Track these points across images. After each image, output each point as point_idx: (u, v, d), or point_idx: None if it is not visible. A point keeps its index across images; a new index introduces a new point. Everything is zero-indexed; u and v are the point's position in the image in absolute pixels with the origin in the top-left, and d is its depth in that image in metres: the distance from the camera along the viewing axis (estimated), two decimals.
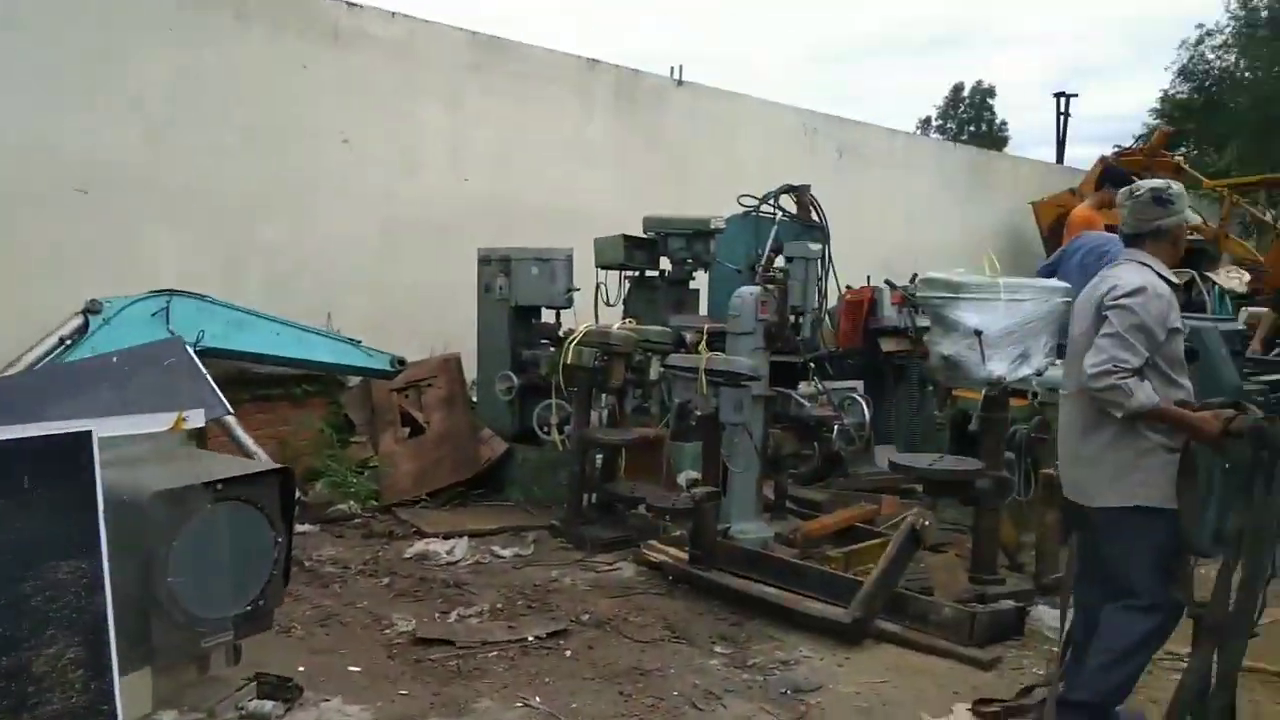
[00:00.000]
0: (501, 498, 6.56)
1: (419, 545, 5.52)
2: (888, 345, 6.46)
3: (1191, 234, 9.05)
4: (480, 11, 33.00)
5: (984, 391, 4.66)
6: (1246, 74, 23.17)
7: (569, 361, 5.82)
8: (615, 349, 5.66)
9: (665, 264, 7.16)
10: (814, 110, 11.38)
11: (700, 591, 4.82)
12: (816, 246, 6.22)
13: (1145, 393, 3.05)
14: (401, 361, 6.62)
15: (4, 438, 2.65)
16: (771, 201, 7.45)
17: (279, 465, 3.70)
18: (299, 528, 5.26)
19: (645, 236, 7.09)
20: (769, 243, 6.87)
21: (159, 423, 3.27)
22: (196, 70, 6.54)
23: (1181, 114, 24.33)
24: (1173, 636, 3.28)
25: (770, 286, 5.54)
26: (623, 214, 7.60)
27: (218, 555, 3.20)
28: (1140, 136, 22.99)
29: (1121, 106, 61.35)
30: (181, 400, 3.50)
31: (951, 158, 14.07)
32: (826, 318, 7.03)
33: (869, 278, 7.72)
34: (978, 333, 4.42)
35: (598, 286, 7.00)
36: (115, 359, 3.80)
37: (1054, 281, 5.12)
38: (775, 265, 6.07)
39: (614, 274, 7.14)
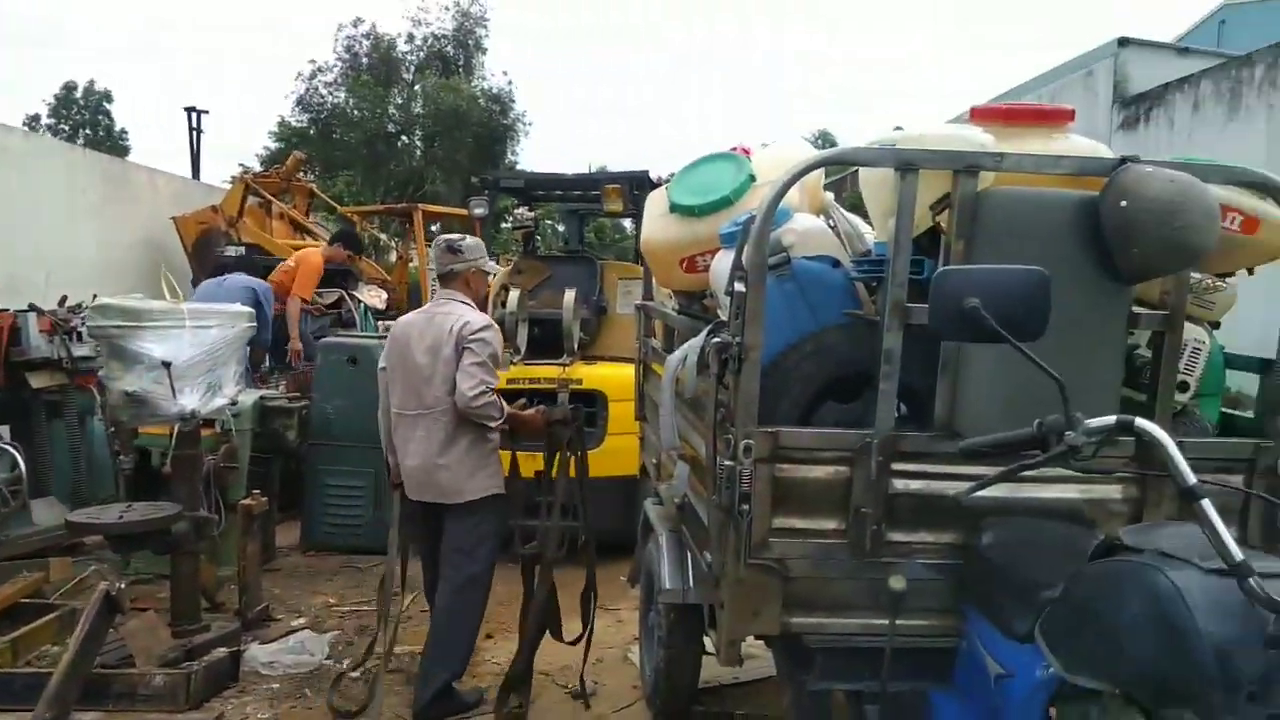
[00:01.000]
0: None
1: None
2: (38, 381, 5.48)
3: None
4: None
5: (176, 427, 4.27)
6: (355, 111, 25.84)
7: None
8: None
9: None
10: None
11: None
12: None
13: (501, 404, 3.85)
14: None
15: None
16: None
17: None
18: None
19: None
20: None
21: None
22: None
23: (300, 141, 26.12)
24: None
25: None
26: None
27: None
28: (267, 160, 23.98)
29: (246, 127, 63.40)
30: None
31: (83, 163, 12.68)
32: None
33: None
34: (166, 364, 4.03)
35: None
36: None
37: (236, 306, 4.95)
38: None
39: None
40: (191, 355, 4.13)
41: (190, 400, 4.14)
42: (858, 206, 3.03)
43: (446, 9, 27.44)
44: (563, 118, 64.65)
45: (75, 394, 5.70)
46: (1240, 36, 20.17)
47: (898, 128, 2.67)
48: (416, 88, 26.68)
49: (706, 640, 3.46)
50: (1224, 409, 2.86)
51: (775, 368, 2.64)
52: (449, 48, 27.61)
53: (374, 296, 10.82)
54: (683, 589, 3.27)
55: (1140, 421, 1.71)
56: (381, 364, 4.02)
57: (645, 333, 4.55)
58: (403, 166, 26.47)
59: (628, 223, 12.36)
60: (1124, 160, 2.39)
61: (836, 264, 2.73)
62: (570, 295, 5.73)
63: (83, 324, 4.92)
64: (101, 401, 4.85)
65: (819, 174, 3.44)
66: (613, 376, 5.80)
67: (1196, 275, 2.73)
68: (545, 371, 5.82)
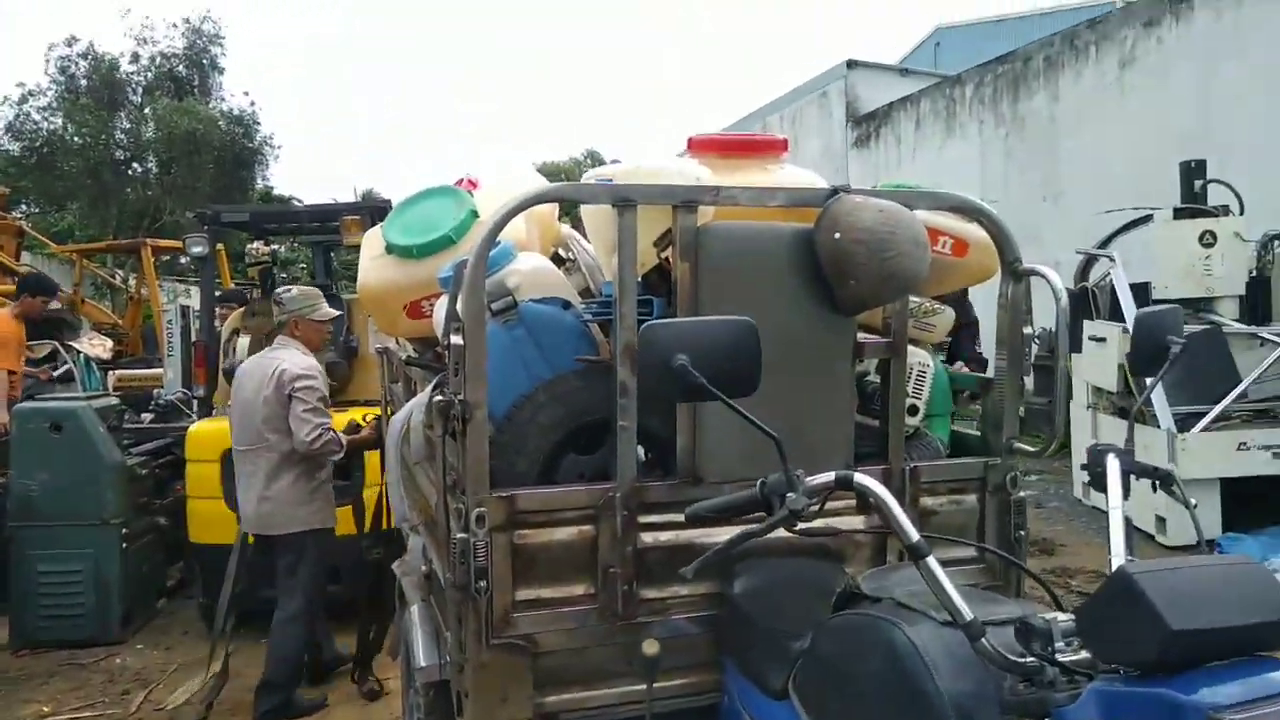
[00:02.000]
0: None
1: None
2: None
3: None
4: None
5: None
6: (75, 138, 23.50)
7: None
8: None
9: None
10: None
11: None
12: None
13: (340, 438, 4.21)
14: None
15: None
16: None
17: None
18: None
19: None
20: None
21: None
22: None
23: (17, 171, 23.46)
24: None
25: None
26: None
27: None
28: None
29: None
30: None
31: None
32: None
33: None
34: None
35: None
36: None
37: None
38: None
39: None
40: None
41: None
42: None
43: (175, 26, 25.50)
44: (330, 142, 62.00)
45: None
46: (954, 58, 22.13)
47: (615, 160, 2.56)
48: (146, 110, 24.59)
49: None
50: (955, 429, 2.94)
51: (510, 422, 2.44)
52: (180, 67, 25.65)
53: (97, 345, 9.75)
54: (439, 664, 3.00)
55: (859, 477, 1.64)
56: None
57: (390, 379, 4.24)
58: (137, 196, 24.32)
59: None
60: (835, 191, 2.37)
61: (568, 305, 2.57)
62: None
63: None
64: None
65: (552, 207, 3.29)
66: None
67: (915, 299, 2.78)
68: None
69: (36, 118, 23.94)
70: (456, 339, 2.19)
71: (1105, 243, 7.99)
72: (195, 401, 6.18)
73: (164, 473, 6.02)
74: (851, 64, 17.38)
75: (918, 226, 2.30)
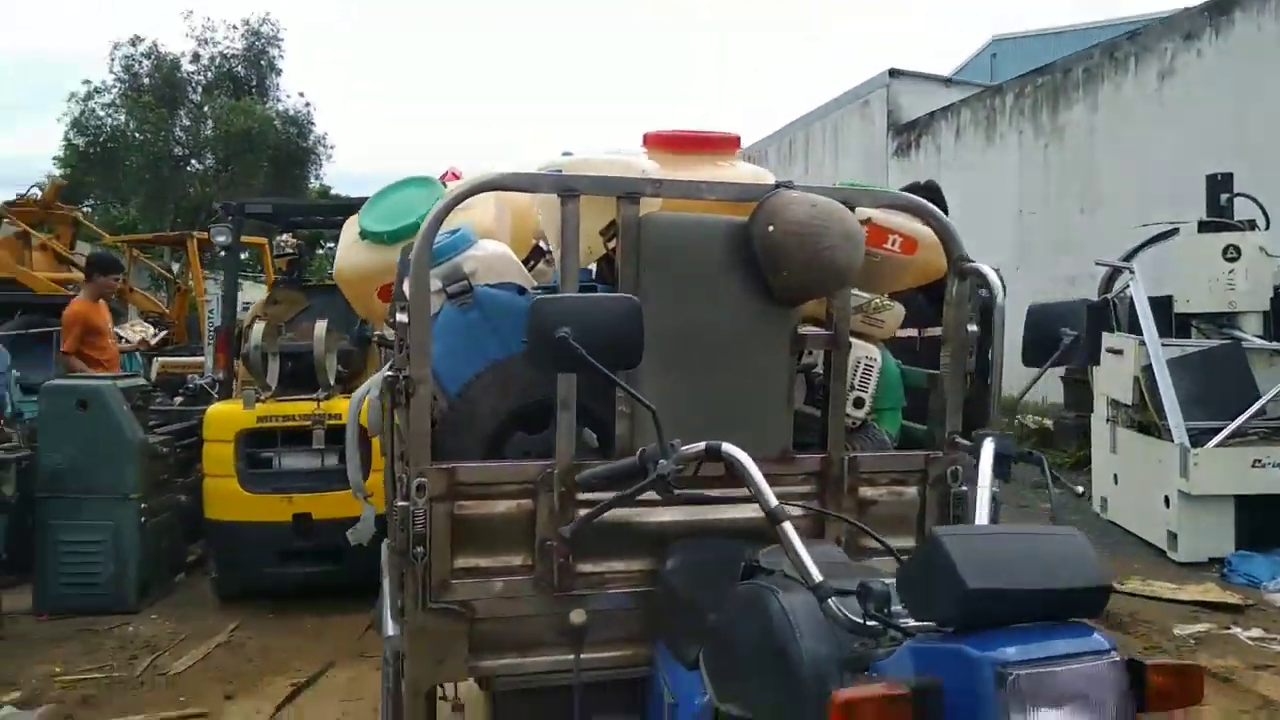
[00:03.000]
0: None
1: None
2: None
3: None
4: None
5: None
6: (137, 134, 24.28)
7: None
8: None
9: None
10: None
11: None
12: None
13: None
14: None
15: None
16: None
17: None
18: None
19: None
20: None
21: None
22: None
23: (85, 165, 24.28)
24: None
25: None
26: None
27: None
28: (37, 185, 22.15)
29: (26, 149, 58.26)
30: None
31: None
32: None
33: None
34: None
35: None
36: None
37: None
38: None
39: None
40: None
41: None
42: None
43: (235, 28, 26.24)
44: (379, 139, 63.12)
45: None
46: (1011, 69, 21.89)
47: (566, 153, 2.67)
48: (205, 109, 25.34)
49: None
50: (908, 422, 3.00)
51: (462, 400, 2.57)
52: (239, 68, 26.40)
53: (138, 332, 10.12)
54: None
55: (726, 447, 1.74)
56: None
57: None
58: (195, 192, 25.06)
59: None
60: (777, 186, 2.46)
61: (523, 291, 2.68)
62: (321, 326, 5.48)
63: None
64: None
65: (529, 198, 3.40)
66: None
67: (865, 295, 2.85)
68: (299, 408, 5.55)
69: (101, 114, 24.85)
70: (402, 317, 2.32)
71: (1130, 255, 7.91)
72: (217, 384, 6.42)
73: (186, 453, 6.25)
74: (894, 73, 17.30)
75: (851, 221, 2.37)
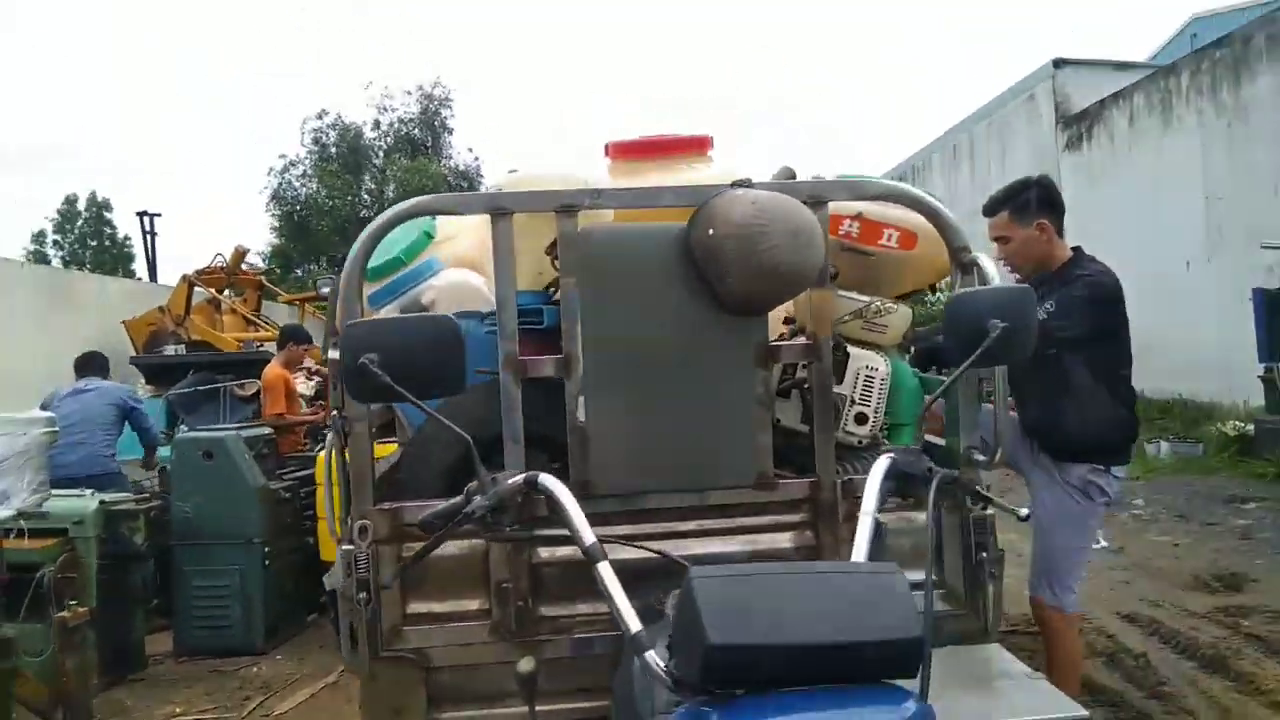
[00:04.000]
0: None
1: None
2: None
3: None
4: None
5: None
6: (326, 200, 26.17)
7: None
8: None
9: None
10: None
11: None
12: None
13: None
14: None
15: None
16: None
17: None
18: None
19: None
20: None
21: None
22: None
23: (286, 234, 26.46)
24: None
25: None
26: None
27: None
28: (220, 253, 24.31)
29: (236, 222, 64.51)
30: None
31: (22, 277, 12.84)
32: None
33: None
34: None
35: None
36: None
37: (33, 413, 4.81)
38: None
39: None
40: None
41: None
42: None
43: (409, 93, 27.91)
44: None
45: None
46: None
47: (512, 170, 2.53)
48: (386, 172, 27.03)
49: None
50: (932, 438, 2.64)
51: (420, 434, 2.47)
52: (416, 130, 28.02)
53: (304, 385, 10.75)
54: None
55: (543, 479, 1.53)
56: None
57: None
58: None
59: None
60: (733, 185, 2.22)
61: (485, 318, 2.55)
62: None
63: None
64: None
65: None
66: None
67: (863, 298, 2.54)
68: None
69: (296, 184, 26.97)
70: (334, 353, 2.24)
71: None
72: None
73: (311, 498, 6.50)
74: (1059, 63, 16.19)
75: (800, 218, 2.10)
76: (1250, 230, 10.90)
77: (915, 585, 2.30)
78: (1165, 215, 12.36)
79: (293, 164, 27.04)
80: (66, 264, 34.40)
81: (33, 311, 12.11)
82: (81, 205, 43.32)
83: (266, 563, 5.91)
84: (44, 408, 6.21)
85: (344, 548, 2.27)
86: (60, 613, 4.58)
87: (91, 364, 7.10)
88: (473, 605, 2.33)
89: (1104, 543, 6.49)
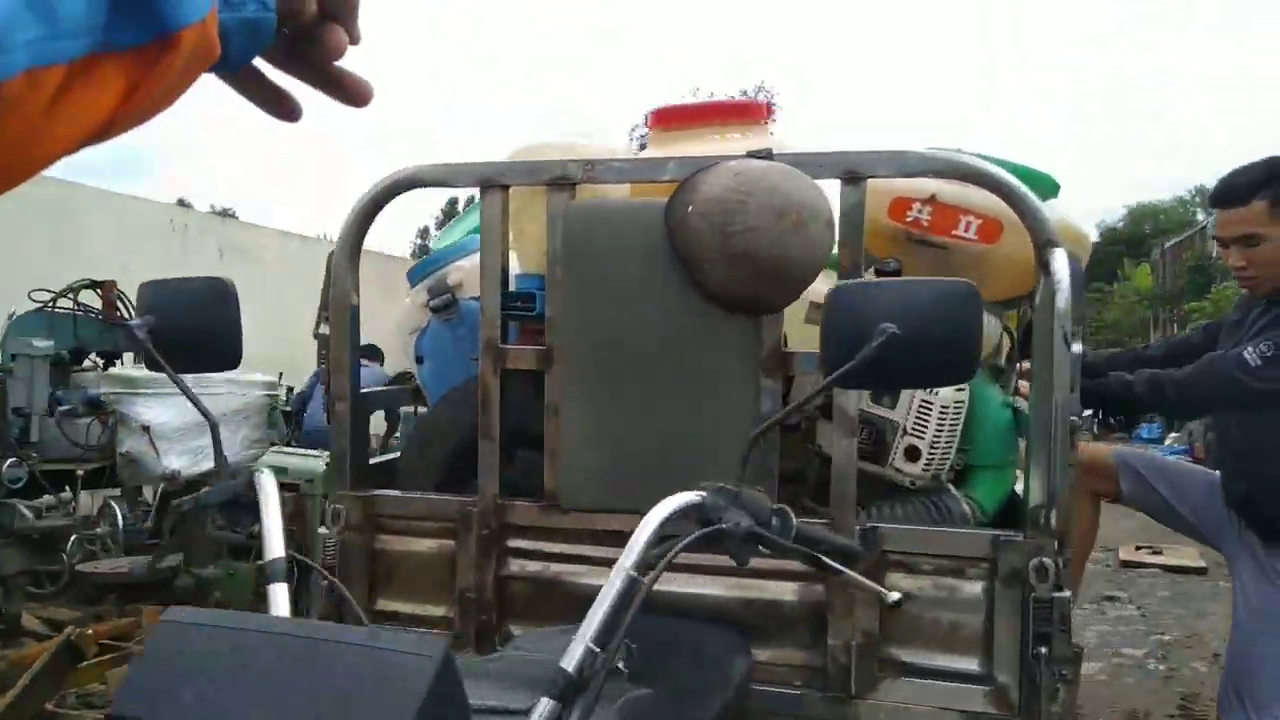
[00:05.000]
0: None
1: None
2: None
3: None
4: None
5: (161, 487, 4.60)
6: None
7: None
8: None
9: None
10: (191, 208, 11.00)
11: None
12: (44, 343, 5.82)
13: None
14: None
15: None
16: (70, 296, 6.91)
17: None
18: None
19: None
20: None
21: None
22: None
23: None
24: None
25: None
26: None
27: None
28: None
29: None
30: None
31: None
32: None
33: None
34: (145, 428, 4.37)
35: None
36: None
37: (255, 376, 5.26)
38: None
39: None
40: (177, 420, 4.44)
41: (176, 462, 4.44)
42: None
43: (732, 97, 28.25)
44: None
45: None
46: None
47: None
48: None
49: None
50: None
51: (422, 419, 2.33)
52: None
53: None
54: None
55: (261, 477, 1.27)
56: None
57: None
58: None
59: None
60: (749, 156, 1.84)
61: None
62: None
63: None
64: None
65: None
66: None
67: None
68: None
69: None
70: (324, 329, 2.15)
71: None
72: None
73: None
74: None
75: (793, 195, 1.68)
76: None
77: (953, 676, 1.81)
78: None
79: None
80: None
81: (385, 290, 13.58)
82: (460, 206, 48.38)
83: None
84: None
85: (319, 531, 2.17)
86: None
87: (369, 352, 7.83)
88: (437, 611, 2.14)
89: None
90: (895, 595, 1.43)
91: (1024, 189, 1.77)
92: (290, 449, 4.99)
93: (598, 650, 1.03)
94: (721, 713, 1.67)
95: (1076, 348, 1.76)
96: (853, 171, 1.83)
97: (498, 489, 2.07)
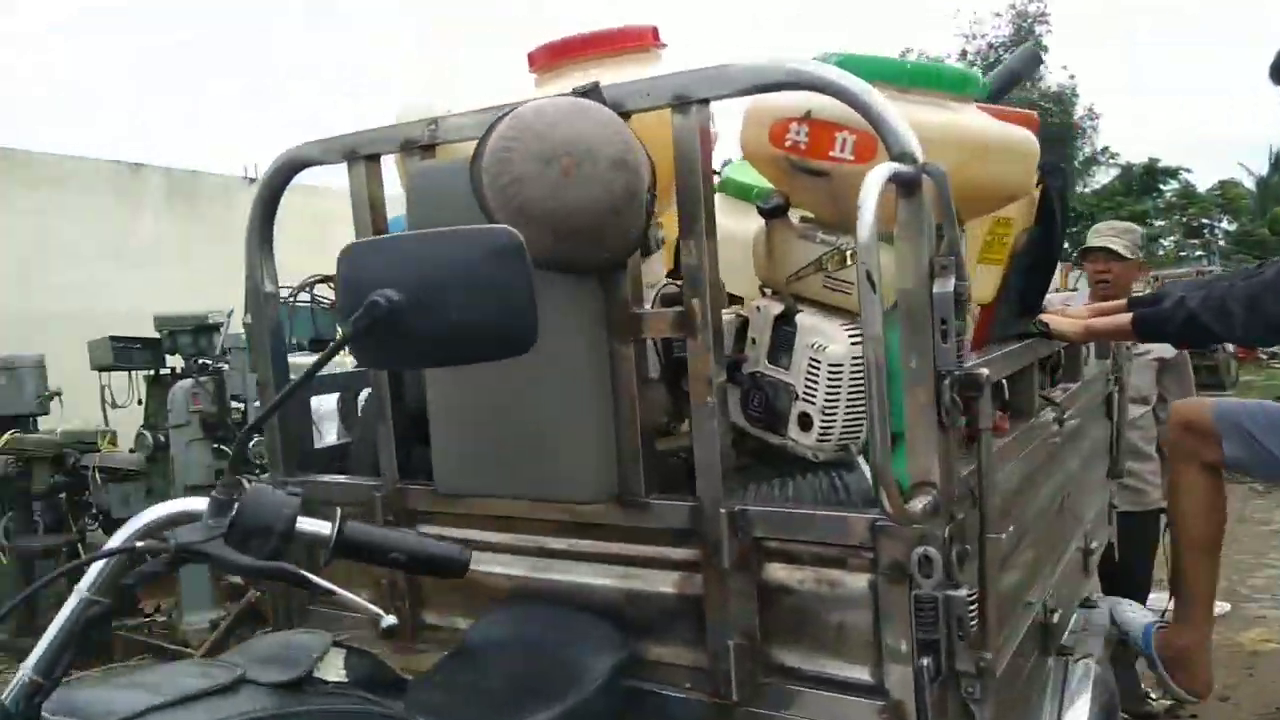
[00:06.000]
0: None
1: None
2: None
3: None
4: None
5: None
6: None
7: None
8: (32, 453, 5.64)
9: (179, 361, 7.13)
10: None
11: None
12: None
13: None
14: None
15: None
16: (309, 290, 7.64)
17: None
18: None
19: (146, 336, 7.07)
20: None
21: None
22: None
23: None
24: None
25: (204, 378, 5.70)
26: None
27: None
28: None
29: None
30: None
31: None
32: None
33: None
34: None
35: (102, 389, 6.94)
36: None
37: None
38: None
39: (121, 375, 7.07)
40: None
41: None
42: None
43: (999, 15, 25.87)
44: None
45: None
46: None
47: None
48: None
49: None
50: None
51: (369, 403, 2.28)
52: (1006, 55, 25.97)
53: None
54: None
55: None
56: None
57: None
58: None
59: None
60: (573, 95, 1.60)
61: None
62: None
63: None
64: None
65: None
66: None
67: (830, 239, 1.66)
68: None
69: None
70: (247, 318, 2.18)
71: None
72: None
73: None
74: None
75: (565, 138, 1.42)
76: None
77: (843, 686, 1.51)
78: None
79: None
80: None
81: None
82: None
83: None
84: None
85: None
86: None
87: None
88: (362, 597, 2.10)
89: None
90: (390, 619, 1.21)
91: (859, 86, 1.41)
92: None
93: (41, 681, 0.93)
94: (569, 713, 1.51)
95: (947, 285, 1.38)
96: (681, 95, 1.55)
97: (397, 473, 1.99)
